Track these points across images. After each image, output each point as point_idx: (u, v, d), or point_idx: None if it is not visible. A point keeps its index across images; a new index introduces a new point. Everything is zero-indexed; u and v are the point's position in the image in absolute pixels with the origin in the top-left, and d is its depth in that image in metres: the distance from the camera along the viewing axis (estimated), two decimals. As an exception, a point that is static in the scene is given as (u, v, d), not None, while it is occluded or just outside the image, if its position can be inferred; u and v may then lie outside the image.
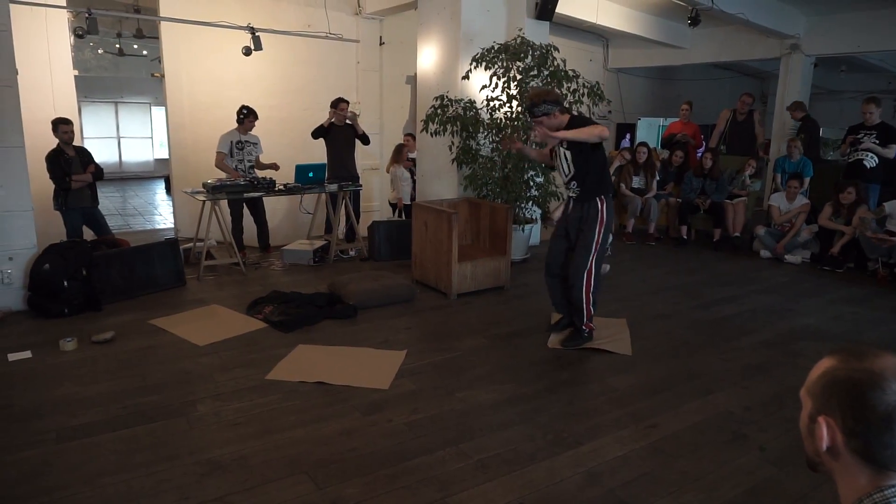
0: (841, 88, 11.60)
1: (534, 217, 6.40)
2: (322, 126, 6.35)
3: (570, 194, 3.96)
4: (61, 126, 5.33)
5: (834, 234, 6.35)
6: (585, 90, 5.79)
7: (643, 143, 7.74)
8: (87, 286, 4.57)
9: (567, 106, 5.32)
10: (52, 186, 5.37)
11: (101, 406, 3.10)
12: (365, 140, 6.58)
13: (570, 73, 5.74)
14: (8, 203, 4.48)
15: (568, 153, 3.88)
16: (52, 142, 5.37)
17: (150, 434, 2.84)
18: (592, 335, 4.03)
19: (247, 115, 6.02)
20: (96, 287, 4.61)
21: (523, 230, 6.16)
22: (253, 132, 6.19)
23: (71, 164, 5.40)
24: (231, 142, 6.03)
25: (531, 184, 6.13)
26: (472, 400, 3.24)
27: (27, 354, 3.74)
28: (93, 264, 4.64)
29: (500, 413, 3.10)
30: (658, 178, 7.63)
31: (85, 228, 5.64)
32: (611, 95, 6.81)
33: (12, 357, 3.69)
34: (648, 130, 10.61)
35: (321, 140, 6.47)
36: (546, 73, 5.75)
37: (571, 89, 5.76)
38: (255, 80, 6.89)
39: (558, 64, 5.78)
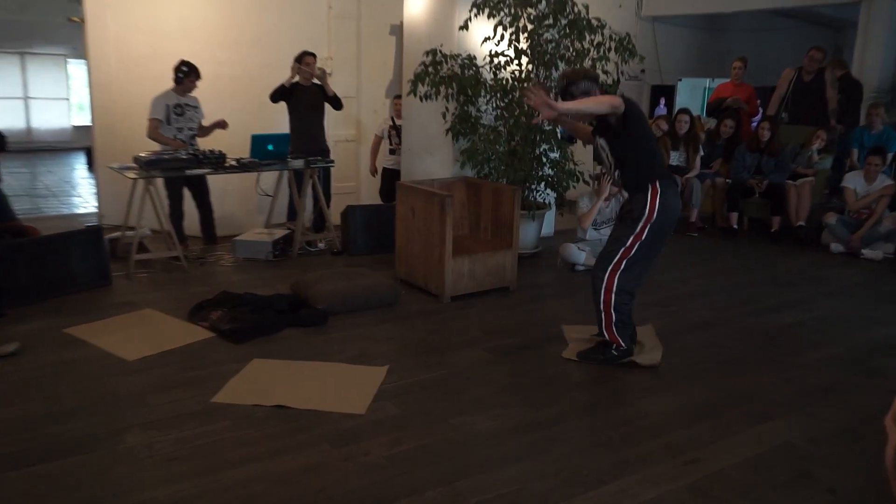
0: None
1: (547, 202, 6.41)
2: (283, 86, 6.33)
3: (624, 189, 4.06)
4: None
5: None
6: (613, 44, 5.79)
7: (684, 110, 7.76)
8: (-14, 285, 4.54)
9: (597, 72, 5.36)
10: (-57, 160, 5.36)
11: (4, 436, 3.07)
12: (336, 104, 6.56)
13: (595, 22, 5.74)
14: None
15: (604, 143, 3.94)
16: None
17: (65, 472, 2.82)
18: (624, 356, 4.01)
19: (187, 74, 5.98)
20: (-2, 287, 4.59)
21: (534, 218, 6.17)
22: (194, 94, 6.16)
23: (-34, 133, 5.37)
24: (167, 105, 6.01)
25: (544, 160, 6.13)
26: (470, 428, 3.24)
27: (-89, 371, 3.72)
28: (-6, 258, 4.62)
29: (504, 444, 3.10)
30: (703, 153, 7.65)
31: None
32: (644, 50, 6.78)
33: None
34: (691, 94, 10.60)
35: (283, 105, 6.45)
36: (564, 22, 5.75)
37: (595, 42, 5.76)
38: (202, 29, 6.86)
39: (579, 11, 5.78)
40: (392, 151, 7.17)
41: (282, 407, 3.37)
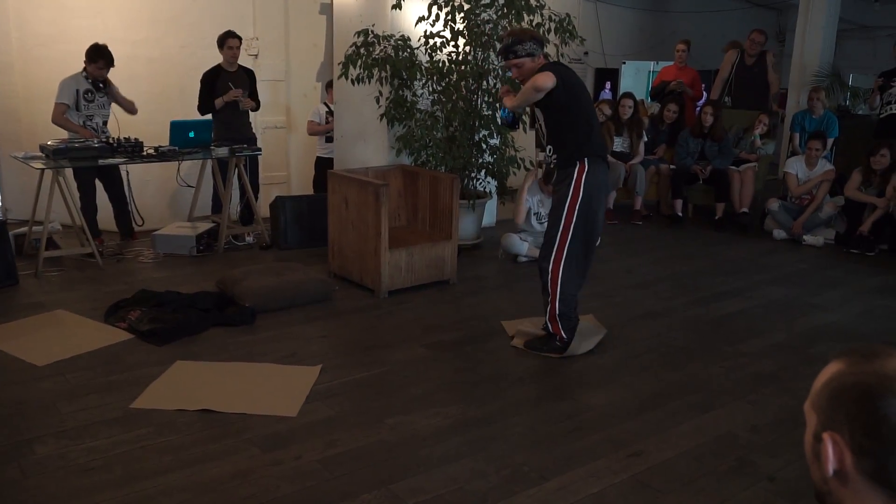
0: (875, 24, 12.09)
1: (488, 191, 6.47)
2: (211, 101, 6.30)
3: (551, 164, 4.11)
4: None
5: (864, 209, 6.67)
6: (553, 25, 5.86)
7: (628, 94, 7.91)
8: None
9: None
10: None
11: None
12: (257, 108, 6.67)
13: (533, 2, 5.79)
14: None
15: (539, 112, 4.03)
16: None
17: (-32, 486, 2.75)
18: (567, 348, 4.10)
19: (95, 58, 5.80)
20: None
21: (473, 208, 6.22)
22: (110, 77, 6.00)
23: None
24: (77, 91, 5.84)
25: (483, 147, 6.18)
26: (407, 428, 3.27)
27: None
28: None
29: (443, 443, 3.14)
30: (646, 139, 7.81)
31: None
32: (586, 32, 6.89)
33: None
34: (636, 78, 10.79)
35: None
36: (501, 2, 5.79)
37: (534, 23, 5.81)
38: (114, 5, 6.69)
39: (518, -11, 5.82)
40: (328, 140, 7.13)
41: (207, 411, 3.35)
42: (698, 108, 8.06)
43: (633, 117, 7.73)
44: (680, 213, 7.54)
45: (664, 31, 11.58)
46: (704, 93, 8.92)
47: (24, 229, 5.86)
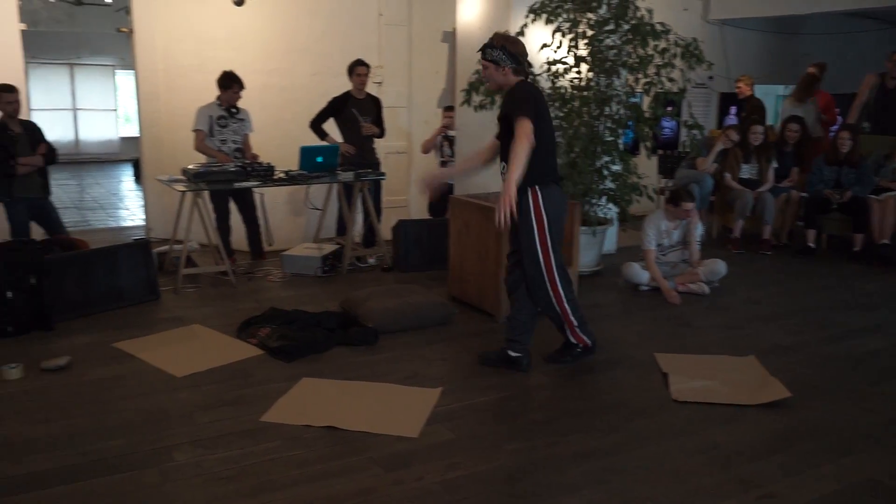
0: None
1: (609, 217, 6.38)
2: (321, 120, 6.52)
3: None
4: (4, 95, 5.56)
5: None
6: (678, 50, 5.76)
7: (758, 121, 7.65)
8: (35, 298, 4.72)
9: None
10: (-6, 172, 5.59)
11: (53, 451, 3.19)
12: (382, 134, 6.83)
13: (659, 27, 5.72)
14: (-59, 192, 4.67)
15: (499, 125, 4.04)
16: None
17: (113, 488, 2.91)
18: (589, 353, 4.30)
19: (229, 84, 6.13)
20: (47, 300, 4.77)
21: (595, 234, 6.14)
22: (244, 106, 6.31)
23: (16, 144, 5.62)
24: (210, 117, 6.17)
25: (605, 173, 6.11)
26: (528, 454, 3.25)
27: (-38, 384, 3.89)
28: (43, 271, 4.80)
29: (563, 472, 3.10)
30: (775, 165, 7.52)
31: (33, 225, 5.85)
32: (711, 56, 6.69)
33: (-55, 387, 3.85)
34: (763, 102, 10.44)
35: (331, 117, 6.58)
36: (626, 27, 5.75)
37: (659, 49, 5.74)
38: (250, 38, 7.05)
39: (642, 15, 5.76)
40: (443, 164, 7.23)
41: (332, 428, 3.43)
42: (832, 134, 7.69)
43: (763, 143, 7.47)
44: (812, 244, 7.19)
45: (794, 54, 11.15)
46: (839, 118, 8.52)
47: (165, 247, 6.22)
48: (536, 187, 3.93)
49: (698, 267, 5.83)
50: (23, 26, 6.73)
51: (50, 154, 5.81)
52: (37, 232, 5.91)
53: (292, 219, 7.29)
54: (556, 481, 3.03)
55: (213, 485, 2.95)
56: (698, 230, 5.94)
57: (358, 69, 6.49)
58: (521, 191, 3.88)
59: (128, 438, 3.31)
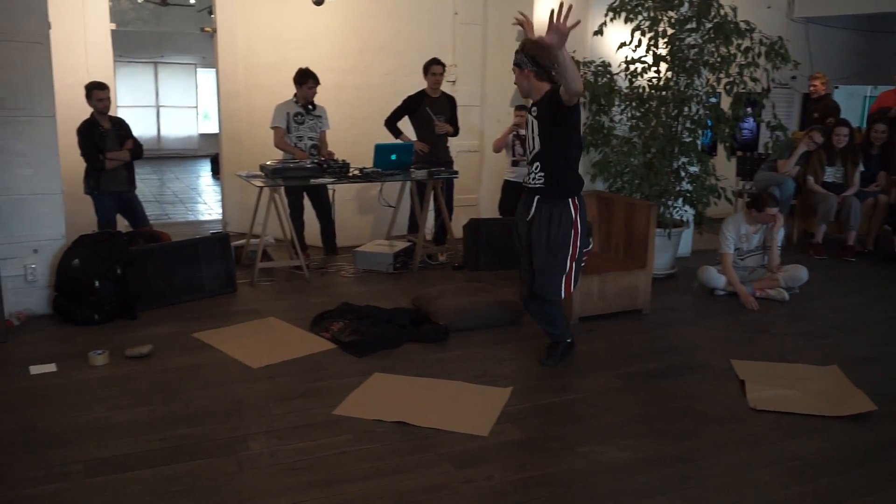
0: None
1: (685, 219, 6.26)
2: (397, 118, 6.54)
3: (531, 183, 4.03)
4: (96, 92, 5.77)
5: None
6: (763, 48, 5.61)
7: (843, 122, 7.37)
8: (121, 288, 4.91)
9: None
10: (83, 166, 5.82)
11: (136, 436, 3.32)
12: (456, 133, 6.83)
13: (743, 25, 5.58)
14: (35, 184, 4.89)
15: (536, 122, 3.96)
16: (84, 111, 5.82)
17: (192, 474, 3.01)
18: (572, 346, 4.37)
19: (305, 79, 6.20)
20: (132, 290, 4.95)
21: (670, 236, 6.03)
22: (321, 103, 6.41)
23: (106, 139, 5.84)
24: (287, 114, 6.29)
25: (682, 174, 6.00)
26: (599, 458, 3.21)
27: (52, 368, 4.07)
28: (129, 262, 4.98)
29: (636, 478, 3.06)
30: (862, 168, 7.24)
31: (119, 218, 6.07)
32: (796, 55, 6.48)
33: (35, 370, 4.03)
34: (849, 103, 10.05)
35: (406, 115, 6.63)
36: (708, 25, 5.62)
37: (743, 48, 5.60)
38: (327, 37, 7.16)
39: (725, 14, 5.63)
40: (515, 163, 7.20)
41: (403, 424, 3.46)
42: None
43: (848, 146, 7.20)
44: (900, 251, 6.91)
45: (884, 53, 10.72)
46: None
47: (242, 241, 6.37)
48: (576, 198, 4.01)
49: (778, 272, 5.67)
50: (112, 26, 6.99)
51: (136, 149, 6.02)
52: (122, 224, 6.13)
53: (361, 216, 7.37)
54: (628, 486, 2.99)
55: (287, 475, 3.01)
56: (780, 235, 5.77)
57: (433, 68, 6.52)
58: (563, 201, 3.98)
59: (206, 427, 3.41)
